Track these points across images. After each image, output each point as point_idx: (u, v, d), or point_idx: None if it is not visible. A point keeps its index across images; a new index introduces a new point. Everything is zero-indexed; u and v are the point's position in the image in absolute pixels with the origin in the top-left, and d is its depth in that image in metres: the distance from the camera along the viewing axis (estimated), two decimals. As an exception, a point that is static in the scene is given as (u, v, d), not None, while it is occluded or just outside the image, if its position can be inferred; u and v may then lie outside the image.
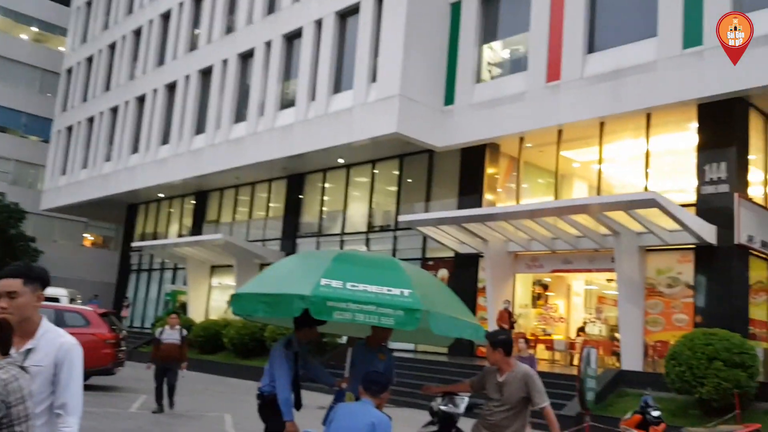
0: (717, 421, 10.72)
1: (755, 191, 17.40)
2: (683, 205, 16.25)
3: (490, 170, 21.81)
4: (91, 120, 38.77)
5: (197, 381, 19.12)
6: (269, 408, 5.96)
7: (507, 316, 18.48)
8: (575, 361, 20.26)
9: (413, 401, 14.82)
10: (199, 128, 30.56)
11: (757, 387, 12.33)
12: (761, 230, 16.79)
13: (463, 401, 6.06)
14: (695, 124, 17.21)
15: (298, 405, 6.11)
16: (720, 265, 16.19)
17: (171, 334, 12.42)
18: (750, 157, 17.05)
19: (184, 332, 12.69)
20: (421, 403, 14.68)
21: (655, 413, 8.35)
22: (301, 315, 4.99)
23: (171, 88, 32.81)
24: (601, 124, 19.09)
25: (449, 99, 21.95)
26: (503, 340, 5.63)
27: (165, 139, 32.51)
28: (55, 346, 3.21)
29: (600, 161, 19.31)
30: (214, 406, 13.73)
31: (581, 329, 20.49)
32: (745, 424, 7.83)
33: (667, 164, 18.50)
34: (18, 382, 2.68)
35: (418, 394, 15.28)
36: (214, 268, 31.59)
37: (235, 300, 5.24)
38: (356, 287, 4.98)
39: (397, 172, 24.86)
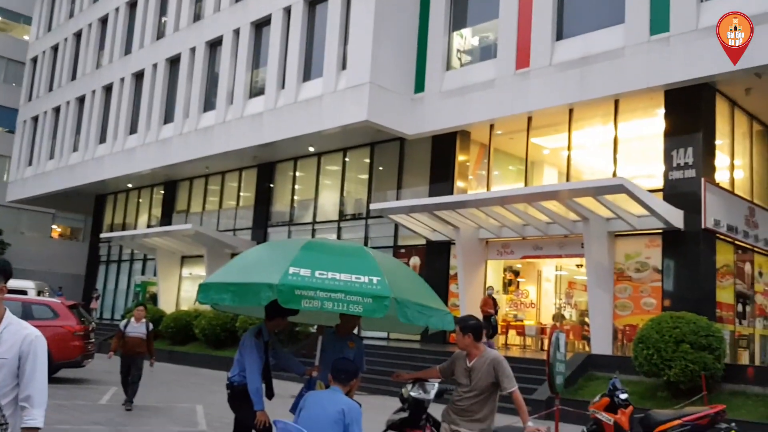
0: (684, 403, 10.89)
1: (721, 176, 17.67)
2: (651, 191, 16.46)
3: (461, 157, 21.86)
4: (57, 110, 38.11)
5: (168, 372, 18.97)
6: (239, 398, 5.92)
7: (492, 303, 18.72)
8: (546, 346, 20.50)
9: (386, 389, 14.86)
10: (168, 117, 30.18)
11: (724, 369, 12.54)
12: (727, 214, 17.07)
13: (434, 387, 6.07)
14: (662, 111, 17.40)
15: (270, 394, 6.08)
16: (687, 249, 16.43)
17: (136, 328, 11.84)
18: (717, 142, 17.30)
19: (150, 326, 12.24)
20: (393, 390, 14.71)
21: (623, 396, 8.46)
22: (270, 304, 4.96)
23: (138, 77, 32.34)
24: (570, 111, 19.21)
25: (419, 86, 21.93)
26: (473, 325, 5.65)
27: (133, 129, 32.08)
28: (19, 338, 3.17)
29: (569, 148, 19.45)
30: (185, 397, 13.64)
31: (558, 316, 20.77)
32: (711, 405, 7.96)
33: (635, 150, 18.70)
34: None
35: (389, 381, 15.34)
36: (185, 259, 31.34)
37: (203, 289, 5.19)
38: (324, 275, 4.95)
39: (368, 160, 24.82)
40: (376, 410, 9.08)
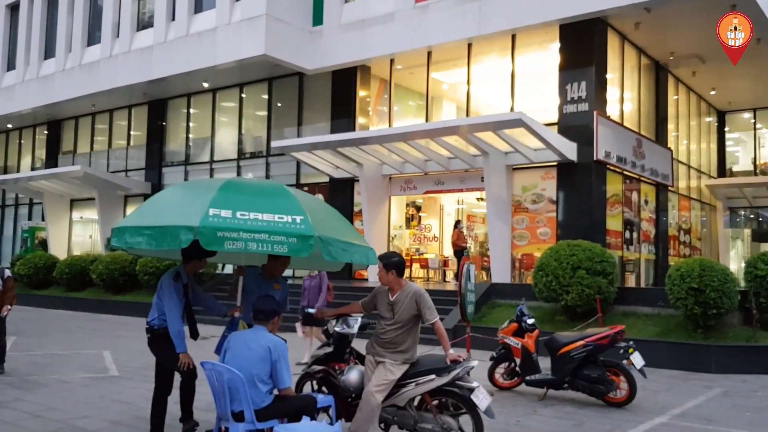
0: (581, 325, 11.54)
1: (612, 109, 18.41)
2: (547, 125, 16.93)
3: (361, 93, 21.69)
4: None
5: (66, 319, 18.30)
6: (160, 341, 5.80)
7: (462, 236, 18.93)
8: (448, 278, 21.12)
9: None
10: (48, 52, 28.24)
11: (616, 292, 13.36)
12: (617, 146, 17.86)
13: (357, 322, 6.15)
14: (557, 45, 17.80)
15: (194, 334, 5.98)
16: (580, 180, 17.14)
17: None
18: (608, 76, 17.93)
19: (7, 273, 9.85)
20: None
21: (530, 321, 8.86)
22: (188, 246, 4.81)
23: (14, 8, 29.94)
24: (469, 46, 19.36)
25: (318, 19, 21.43)
26: (396, 262, 5.75)
27: (10, 65, 29.84)
28: None
29: (468, 82, 19.66)
30: (89, 344, 13.21)
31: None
32: (611, 326, 8.48)
33: (532, 84, 19.10)
34: None
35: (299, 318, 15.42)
36: (74, 202, 29.94)
37: (117, 233, 4.96)
38: (246, 216, 4.86)
39: (266, 96, 24.21)
40: (296, 347, 9.11)
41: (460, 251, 18.25)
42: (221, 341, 5.95)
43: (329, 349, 6.20)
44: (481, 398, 5.59)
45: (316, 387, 6.34)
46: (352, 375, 5.99)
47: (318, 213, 5.42)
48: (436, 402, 5.83)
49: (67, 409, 7.48)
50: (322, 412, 5.71)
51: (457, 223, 19.41)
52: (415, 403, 5.89)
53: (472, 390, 5.62)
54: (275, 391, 5.16)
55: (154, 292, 5.91)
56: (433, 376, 5.69)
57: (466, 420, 5.79)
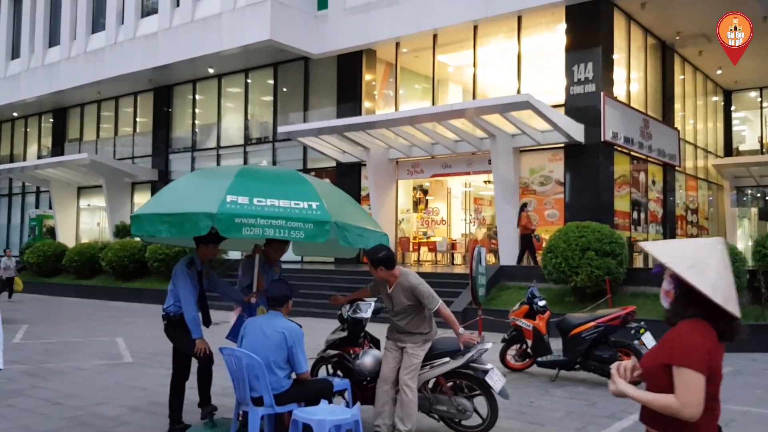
0: (590, 306, 11.59)
1: (619, 89, 18.34)
2: (554, 106, 16.90)
3: (367, 77, 21.64)
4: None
5: (77, 307, 18.44)
6: (176, 327, 5.85)
7: (530, 219, 17.12)
8: (457, 261, 21.18)
9: (306, 310, 15.05)
10: (53, 40, 28.22)
11: (625, 273, 13.39)
12: (624, 127, 17.82)
13: (370, 306, 6.20)
14: (564, 26, 17.72)
15: (207, 322, 6.04)
16: (587, 161, 17.13)
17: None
18: (614, 56, 17.87)
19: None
20: (313, 312, 14.94)
21: (541, 303, 8.90)
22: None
23: (17, -4, 29.95)
24: (475, 28, 19.28)
25: (323, 3, 21.36)
26: (382, 258, 5.61)
27: (15, 53, 29.84)
28: None
29: (474, 65, 19.60)
30: (101, 331, 13.32)
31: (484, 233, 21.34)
32: (623, 306, 8.51)
33: (538, 66, 19.04)
34: None
35: (310, 303, 15.52)
36: (81, 189, 30.04)
37: (136, 221, 5.00)
38: (263, 202, 4.90)
39: (271, 81, 24.18)
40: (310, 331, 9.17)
41: (528, 235, 16.79)
42: (234, 326, 6.01)
43: (344, 334, 6.25)
44: (496, 380, 5.65)
45: (331, 371, 6.41)
46: (367, 359, 6.05)
47: (333, 199, 5.46)
48: (450, 384, 5.89)
49: (85, 396, 7.57)
50: (338, 395, 5.78)
51: (524, 205, 17.16)
52: (430, 385, 5.96)
53: (486, 372, 5.68)
54: (293, 376, 5.22)
55: (164, 279, 5.98)
56: (447, 359, 5.75)
57: (480, 402, 5.86)
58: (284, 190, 5.09)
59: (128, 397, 7.57)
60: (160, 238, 5.61)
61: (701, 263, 2.47)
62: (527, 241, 16.69)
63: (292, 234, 4.84)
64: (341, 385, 5.72)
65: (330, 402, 5.31)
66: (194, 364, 6.03)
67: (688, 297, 2.50)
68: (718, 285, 2.43)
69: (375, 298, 6.24)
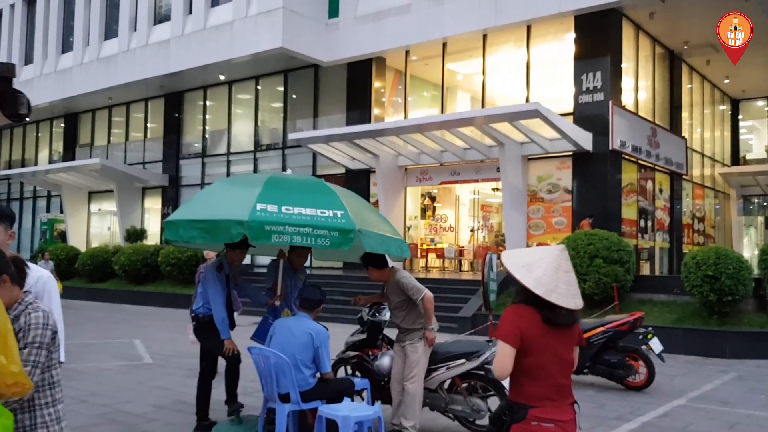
0: (599, 312, 11.80)
1: (627, 98, 18.57)
2: (562, 114, 17.11)
3: (376, 84, 21.92)
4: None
5: (91, 310, 18.73)
6: (206, 328, 6.11)
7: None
8: (464, 267, 21.39)
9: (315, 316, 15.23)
10: (66, 46, 28.58)
11: (632, 280, 13.61)
12: (632, 135, 18.04)
13: (388, 310, 6.45)
14: (573, 35, 17.97)
15: (231, 325, 6.29)
16: (595, 169, 17.35)
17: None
18: (623, 65, 18.10)
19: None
20: (325, 317, 15.14)
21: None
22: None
23: (31, 2, 30.29)
24: (484, 37, 19.54)
25: (333, 11, 21.65)
26: (369, 258, 6.00)
27: (28, 59, 30.22)
28: (33, 279, 3.26)
29: (483, 73, 19.85)
30: (118, 333, 13.60)
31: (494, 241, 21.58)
32: (631, 313, 8.74)
33: (547, 75, 19.29)
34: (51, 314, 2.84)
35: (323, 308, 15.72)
36: (92, 194, 30.36)
37: (170, 227, 5.25)
38: (291, 210, 5.14)
39: (281, 88, 24.48)
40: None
41: None
42: (259, 328, 6.27)
43: (363, 336, 6.51)
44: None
45: (350, 371, 6.66)
46: (385, 360, 6.31)
47: (358, 208, 5.72)
48: (465, 385, 6.14)
49: (111, 395, 7.83)
50: (357, 395, 6.03)
51: (591, 217, 16.47)
52: (446, 386, 6.21)
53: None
54: (317, 375, 5.49)
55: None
56: (463, 361, 6.00)
57: (494, 402, 6.10)
58: (310, 199, 5.35)
59: (151, 396, 7.83)
60: (194, 244, 5.87)
61: (534, 264, 3.02)
62: None
63: (318, 241, 5.09)
64: (361, 384, 5.98)
65: (352, 400, 5.57)
66: (221, 363, 6.28)
67: (519, 289, 3.06)
68: (542, 281, 2.96)
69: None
